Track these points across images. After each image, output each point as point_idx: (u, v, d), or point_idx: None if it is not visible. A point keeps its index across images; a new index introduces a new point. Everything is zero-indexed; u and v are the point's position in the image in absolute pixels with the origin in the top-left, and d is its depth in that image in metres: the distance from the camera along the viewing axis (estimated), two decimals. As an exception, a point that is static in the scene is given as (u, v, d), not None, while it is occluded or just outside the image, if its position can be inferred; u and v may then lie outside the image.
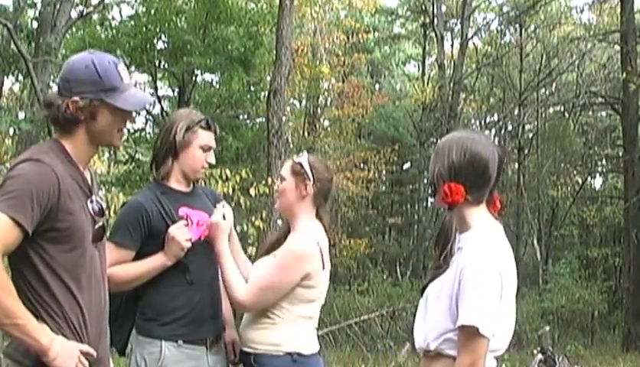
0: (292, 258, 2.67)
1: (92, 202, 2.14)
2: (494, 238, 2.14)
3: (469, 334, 2.02)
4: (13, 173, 1.99)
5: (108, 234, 2.48)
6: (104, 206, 2.21)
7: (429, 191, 2.29)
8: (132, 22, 14.25)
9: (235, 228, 2.87)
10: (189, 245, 2.62)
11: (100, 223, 2.18)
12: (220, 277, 2.78)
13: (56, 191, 1.99)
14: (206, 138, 2.75)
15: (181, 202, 2.72)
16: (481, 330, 2.00)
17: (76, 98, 2.07)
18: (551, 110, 22.01)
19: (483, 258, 2.06)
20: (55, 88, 2.22)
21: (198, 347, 2.66)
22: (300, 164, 2.79)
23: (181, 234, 2.61)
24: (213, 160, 2.78)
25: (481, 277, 2.04)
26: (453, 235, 2.17)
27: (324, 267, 2.74)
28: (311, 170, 2.77)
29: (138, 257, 2.63)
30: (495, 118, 23.32)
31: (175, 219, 2.66)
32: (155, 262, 2.62)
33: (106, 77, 2.10)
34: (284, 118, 10.34)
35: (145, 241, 2.63)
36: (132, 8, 14.86)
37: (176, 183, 2.75)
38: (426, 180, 24.45)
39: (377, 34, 24.52)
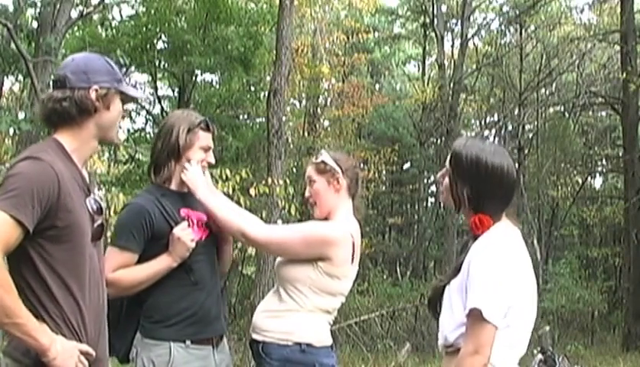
0: (318, 236, 2.68)
1: (90, 200, 2.14)
2: (505, 238, 2.16)
3: (474, 319, 2.02)
4: (13, 171, 1.99)
5: (110, 237, 2.49)
6: (102, 204, 2.21)
7: (435, 190, 2.34)
8: (132, 22, 14.23)
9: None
10: (194, 245, 2.64)
11: (99, 221, 2.18)
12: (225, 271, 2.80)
13: (56, 189, 1.99)
14: (206, 138, 2.78)
15: (181, 204, 2.74)
16: (485, 313, 1.99)
17: (96, 86, 2.13)
18: (551, 110, 21.99)
19: (490, 249, 2.08)
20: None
21: (205, 347, 2.67)
22: (323, 162, 2.81)
23: (186, 234, 2.62)
24: (213, 160, 2.81)
25: (486, 264, 2.05)
26: None
27: (352, 261, 2.74)
28: (336, 163, 2.80)
29: (141, 260, 2.64)
30: (495, 118, 23.31)
31: (178, 220, 2.67)
32: (160, 264, 2.62)
33: (116, 69, 2.22)
34: (284, 118, 10.33)
35: (148, 244, 2.63)
36: (132, 8, 14.86)
37: (176, 185, 2.76)
38: (425, 180, 24.46)
39: (377, 34, 24.48)
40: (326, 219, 2.82)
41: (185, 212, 2.72)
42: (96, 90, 2.13)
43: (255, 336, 2.73)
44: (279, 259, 2.80)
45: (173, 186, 2.76)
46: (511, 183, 2.17)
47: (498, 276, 2.04)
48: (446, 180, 2.24)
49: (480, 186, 2.14)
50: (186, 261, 2.64)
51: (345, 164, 2.82)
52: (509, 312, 2.06)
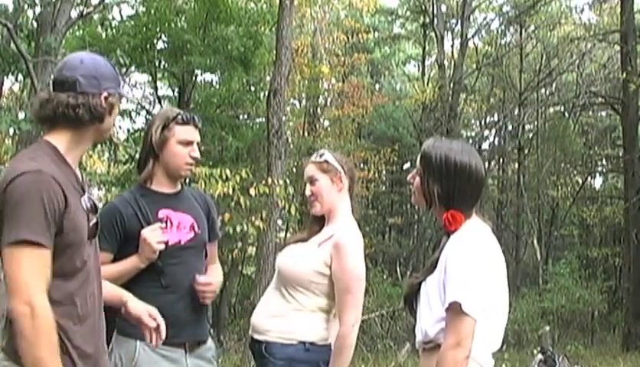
0: (359, 254, 2.72)
1: (85, 199, 2.14)
2: (478, 234, 2.20)
3: (454, 312, 2.06)
4: (20, 190, 1.94)
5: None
6: (96, 202, 2.21)
7: (410, 188, 2.39)
8: (132, 22, 14.24)
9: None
10: (162, 247, 2.59)
11: (94, 220, 2.18)
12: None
13: (62, 201, 1.98)
14: (183, 132, 2.70)
15: (162, 205, 2.69)
16: (464, 307, 2.03)
17: (106, 93, 2.12)
18: (551, 110, 22.01)
19: (465, 245, 2.14)
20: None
21: (176, 350, 2.62)
22: (326, 161, 2.83)
23: (154, 236, 2.58)
24: (197, 155, 2.74)
25: (463, 259, 2.10)
26: None
27: None
28: (338, 163, 2.84)
29: (118, 259, 2.62)
30: (495, 118, 23.31)
31: (152, 221, 2.63)
32: (128, 264, 2.61)
33: (117, 71, 2.20)
34: (284, 118, 10.34)
35: (123, 244, 2.62)
36: (132, 8, 14.87)
37: (159, 185, 2.72)
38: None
39: (377, 34, 24.48)
40: (324, 216, 2.83)
41: (165, 214, 2.67)
42: (106, 97, 2.12)
43: (257, 337, 2.71)
44: (281, 259, 2.80)
45: (153, 187, 2.72)
46: (480, 179, 2.24)
47: (475, 270, 2.09)
48: (417, 180, 2.31)
49: (450, 184, 2.21)
50: (157, 263, 2.60)
51: (346, 164, 2.87)
52: (487, 305, 2.10)
